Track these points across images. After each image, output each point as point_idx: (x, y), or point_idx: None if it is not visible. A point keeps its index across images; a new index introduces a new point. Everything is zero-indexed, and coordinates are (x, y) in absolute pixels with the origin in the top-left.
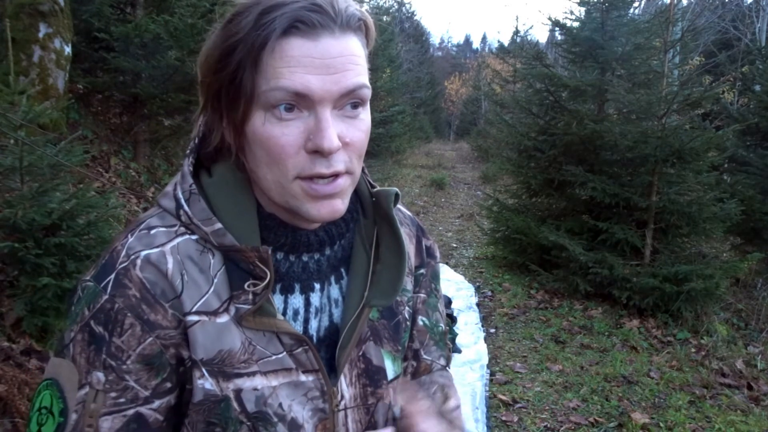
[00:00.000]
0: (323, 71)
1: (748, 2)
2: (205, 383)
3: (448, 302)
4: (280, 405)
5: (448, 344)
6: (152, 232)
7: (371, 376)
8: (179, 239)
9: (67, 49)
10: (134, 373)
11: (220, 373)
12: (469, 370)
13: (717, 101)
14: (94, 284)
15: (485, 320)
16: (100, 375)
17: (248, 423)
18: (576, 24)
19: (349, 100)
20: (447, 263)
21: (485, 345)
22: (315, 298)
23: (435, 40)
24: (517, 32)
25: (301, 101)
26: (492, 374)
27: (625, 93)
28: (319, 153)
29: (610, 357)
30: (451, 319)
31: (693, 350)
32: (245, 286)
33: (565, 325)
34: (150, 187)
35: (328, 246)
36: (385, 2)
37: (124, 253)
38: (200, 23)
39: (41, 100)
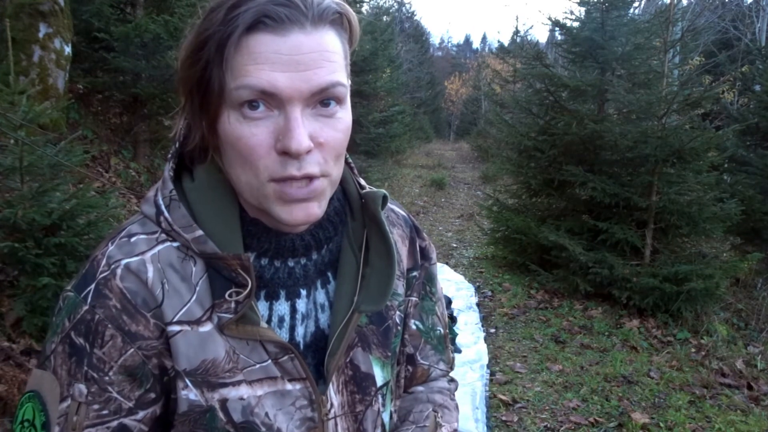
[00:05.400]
0: (292, 68)
1: (748, 2)
2: (189, 394)
3: (448, 302)
4: (267, 414)
5: (450, 347)
6: (132, 239)
7: (359, 384)
8: (160, 247)
9: (67, 49)
10: (117, 384)
11: (204, 384)
12: (469, 370)
13: (717, 101)
14: (74, 295)
15: (485, 320)
16: (82, 387)
17: None
18: (576, 24)
19: (321, 99)
20: (447, 263)
21: (485, 345)
22: (301, 305)
23: (435, 40)
24: (517, 32)
25: (269, 100)
26: (492, 374)
27: (625, 93)
28: (288, 154)
29: (610, 357)
30: (451, 319)
31: (693, 350)
32: (226, 294)
33: (565, 325)
34: (150, 187)
35: (315, 250)
36: (385, 2)
37: (104, 262)
38: None
39: (41, 100)
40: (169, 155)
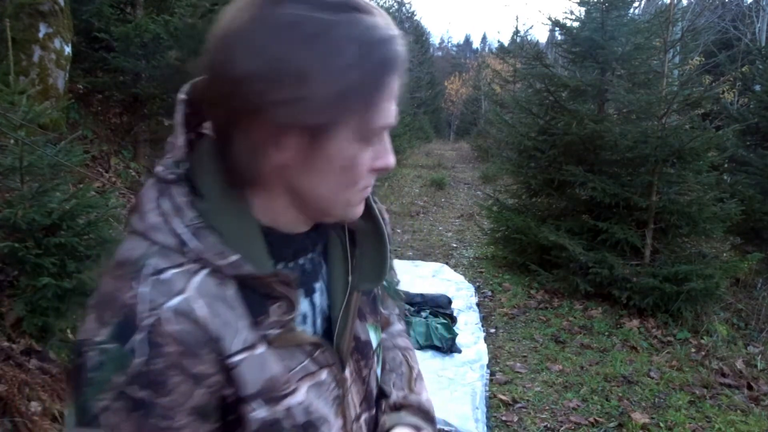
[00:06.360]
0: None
1: (748, 2)
2: (258, 414)
3: (448, 302)
4: (316, 407)
5: (401, 295)
6: (163, 276)
7: (362, 351)
8: (197, 278)
9: (67, 49)
10: (187, 426)
11: (270, 400)
12: (469, 370)
13: (717, 101)
14: (116, 347)
15: (485, 320)
16: None
17: None
18: (576, 24)
19: None
20: (447, 263)
21: (485, 345)
22: (317, 298)
23: (435, 40)
24: (517, 32)
25: None
26: (492, 374)
27: (625, 93)
28: (381, 171)
29: (610, 357)
30: (451, 319)
31: (693, 350)
32: (270, 310)
33: (565, 325)
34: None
35: (319, 243)
36: (385, 2)
37: (142, 308)
38: (200, 23)
39: (41, 100)
40: (173, 177)
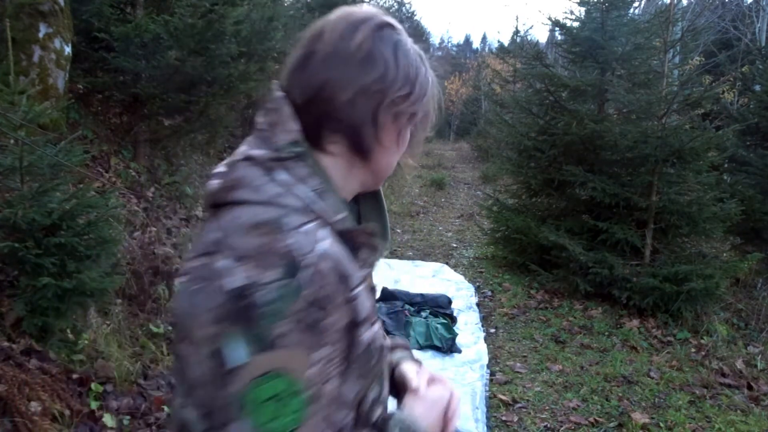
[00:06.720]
0: None
1: (748, 2)
2: (365, 336)
3: (448, 302)
4: (382, 336)
5: None
6: (302, 230)
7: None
8: (322, 231)
9: (67, 49)
10: (338, 341)
11: (370, 325)
12: (469, 370)
13: (717, 101)
14: (288, 282)
15: (485, 320)
16: (320, 353)
17: (380, 355)
18: (576, 24)
19: None
20: (447, 263)
21: (485, 345)
22: None
23: (435, 40)
24: (517, 32)
25: None
26: (492, 374)
27: (625, 93)
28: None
29: (610, 357)
30: (451, 319)
31: (693, 350)
32: (364, 257)
33: (565, 325)
34: (150, 187)
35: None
36: (385, 2)
37: (298, 252)
38: (200, 23)
39: (41, 100)
40: (292, 155)
